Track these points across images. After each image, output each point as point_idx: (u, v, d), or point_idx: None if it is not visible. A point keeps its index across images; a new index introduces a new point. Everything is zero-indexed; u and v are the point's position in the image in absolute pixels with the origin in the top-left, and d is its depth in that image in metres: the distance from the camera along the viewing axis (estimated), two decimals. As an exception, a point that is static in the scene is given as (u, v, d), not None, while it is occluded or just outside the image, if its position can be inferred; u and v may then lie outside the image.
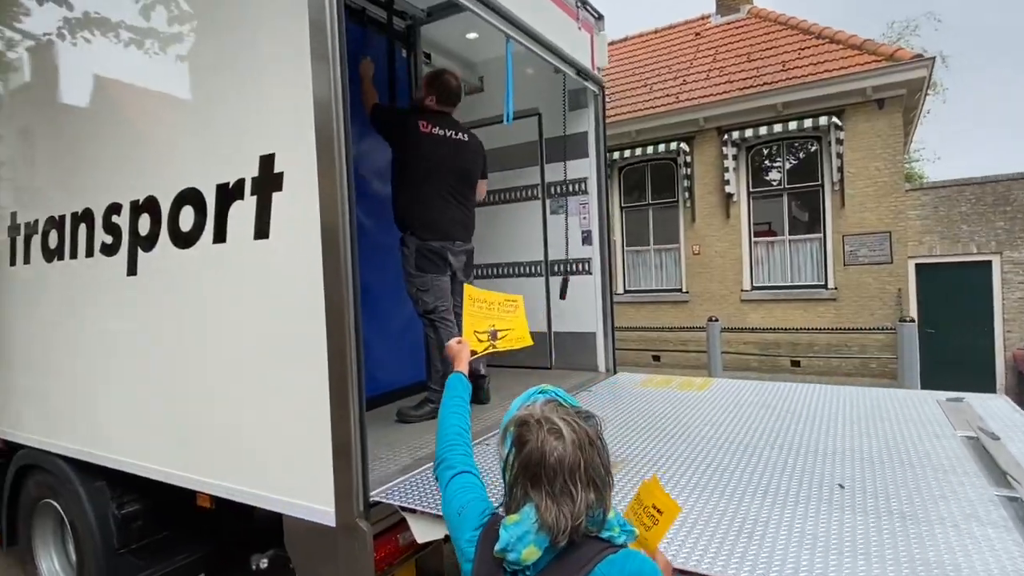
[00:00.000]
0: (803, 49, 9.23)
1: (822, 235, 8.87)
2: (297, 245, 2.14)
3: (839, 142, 8.35)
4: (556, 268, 4.45)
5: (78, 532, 3.02)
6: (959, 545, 1.62)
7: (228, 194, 2.34)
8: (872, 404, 3.06)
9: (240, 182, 2.30)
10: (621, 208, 10.67)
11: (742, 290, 9.44)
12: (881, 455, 2.31)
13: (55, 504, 3.22)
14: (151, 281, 2.69)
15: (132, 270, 2.75)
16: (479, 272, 4.87)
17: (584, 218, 4.33)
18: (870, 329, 8.34)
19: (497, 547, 1.16)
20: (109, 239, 2.84)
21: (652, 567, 1.15)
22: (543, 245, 4.50)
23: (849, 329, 8.48)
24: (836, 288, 8.69)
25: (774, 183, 9.34)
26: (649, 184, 10.41)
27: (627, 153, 10.09)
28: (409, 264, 3.25)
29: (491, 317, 2.10)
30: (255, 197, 2.27)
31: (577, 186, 4.34)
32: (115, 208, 2.80)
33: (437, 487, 1.58)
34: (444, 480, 1.46)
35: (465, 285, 2.23)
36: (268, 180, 2.22)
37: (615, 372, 4.23)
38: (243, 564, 2.49)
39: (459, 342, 1.96)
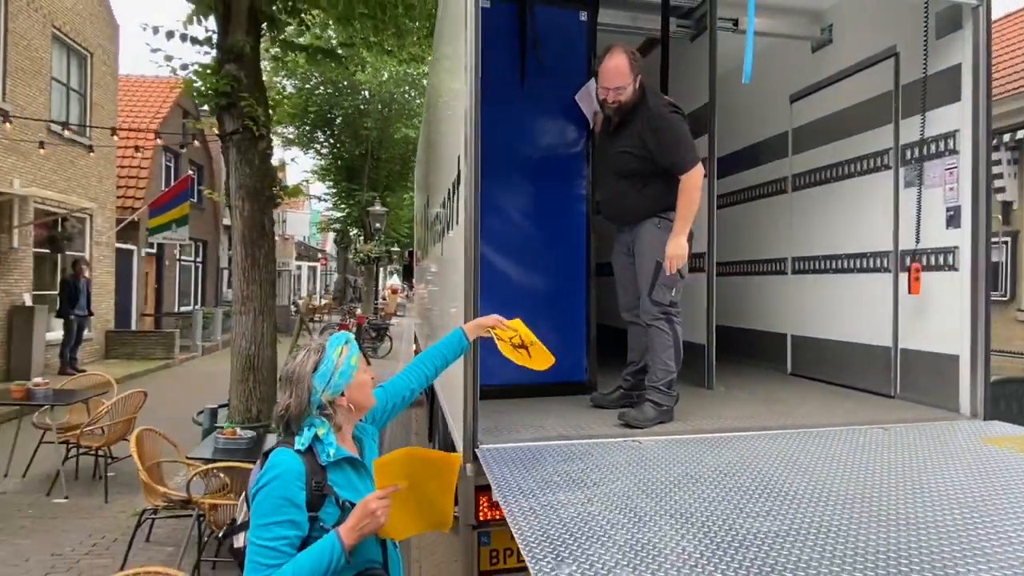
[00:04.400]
0: None
1: None
2: (460, 234, 2.55)
3: None
4: (908, 261, 3.26)
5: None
6: None
7: (449, 194, 2.95)
8: None
9: (457, 178, 2.86)
10: None
11: None
12: None
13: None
14: (446, 262, 3.57)
15: (441, 252, 3.72)
16: (800, 267, 4.03)
17: (951, 188, 3.02)
18: None
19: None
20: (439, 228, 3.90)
21: (275, 464, 1.44)
22: (892, 229, 3.36)
23: None
24: None
25: None
26: None
27: None
28: None
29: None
30: (455, 194, 2.79)
31: (941, 144, 3.06)
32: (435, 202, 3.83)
33: (535, 464, 2.08)
34: None
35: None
36: (457, 178, 2.70)
37: (984, 418, 2.81)
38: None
39: (497, 323, 2.08)
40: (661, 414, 2.69)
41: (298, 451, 1.48)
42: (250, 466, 3.47)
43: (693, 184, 2.68)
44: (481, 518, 2.29)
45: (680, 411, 2.86)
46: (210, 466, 3.45)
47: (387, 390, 1.87)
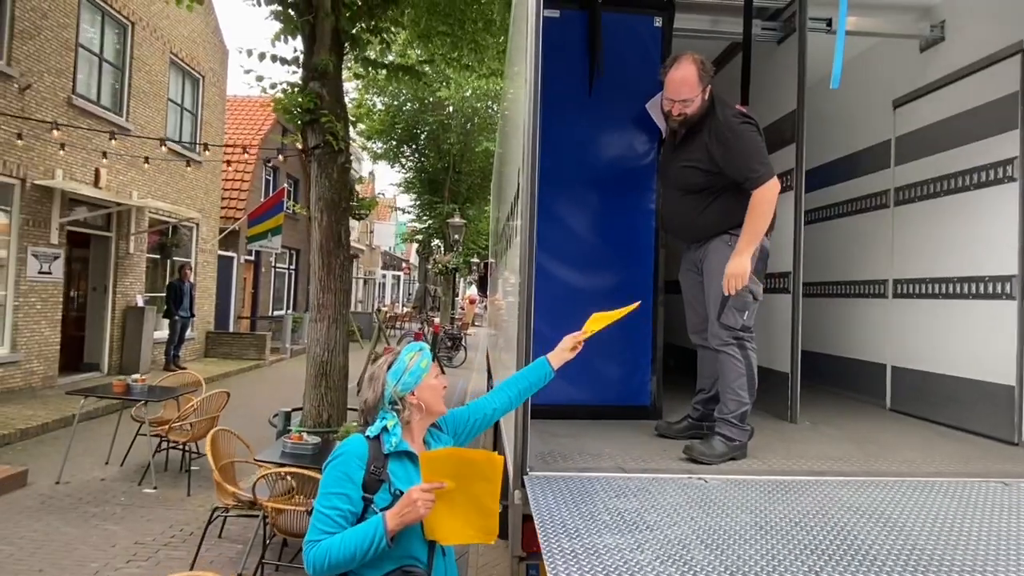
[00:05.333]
0: None
1: None
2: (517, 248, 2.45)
3: None
4: (1037, 287, 2.82)
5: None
6: None
7: (512, 207, 2.86)
8: None
9: (518, 191, 2.78)
10: None
11: None
12: None
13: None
14: (509, 275, 3.50)
15: (505, 265, 3.64)
16: (904, 290, 3.60)
17: (1092, 204, 2.58)
18: None
19: None
20: (504, 241, 3.83)
21: (344, 445, 1.64)
22: (1018, 250, 2.92)
23: None
24: None
25: None
26: None
27: None
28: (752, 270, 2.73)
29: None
30: (516, 208, 2.70)
31: (1080, 152, 2.62)
32: (503, 215, 3.76)
33: (586, 498, 2.01)
34: None
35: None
36: (516, 195, 2.61)
37: None
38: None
39: (575, 342, 2.05)
40: (732, 450, 2.44)
41: (367, 437, 1.64)
42: (314, 473, 3.55)
43: (766, 200, 2.40)
44: (528, 549, 2.16)
45: (755, 447, 2.59)
46: (274, 470, 3.54)
47: (470, 408, 1.98)
